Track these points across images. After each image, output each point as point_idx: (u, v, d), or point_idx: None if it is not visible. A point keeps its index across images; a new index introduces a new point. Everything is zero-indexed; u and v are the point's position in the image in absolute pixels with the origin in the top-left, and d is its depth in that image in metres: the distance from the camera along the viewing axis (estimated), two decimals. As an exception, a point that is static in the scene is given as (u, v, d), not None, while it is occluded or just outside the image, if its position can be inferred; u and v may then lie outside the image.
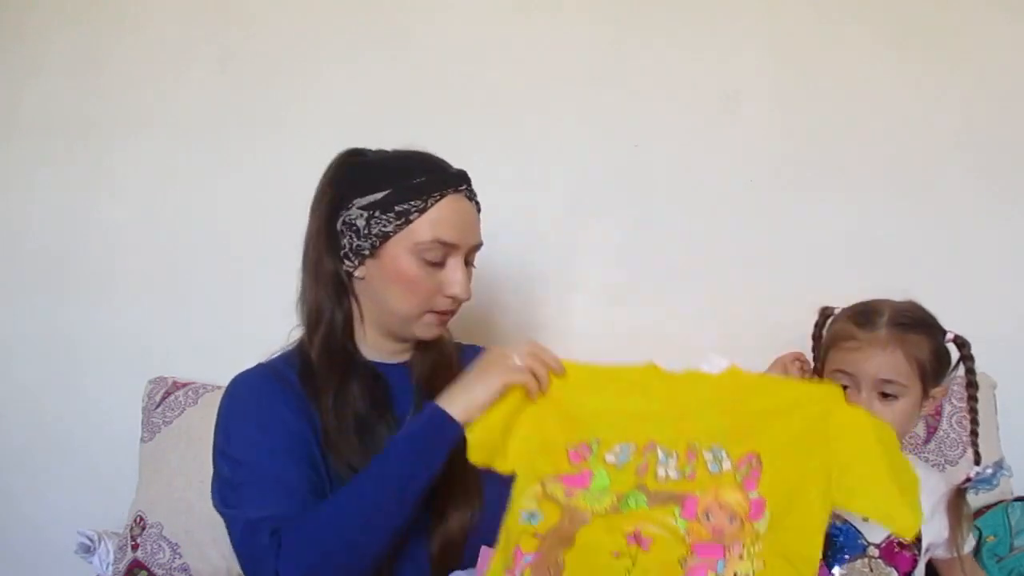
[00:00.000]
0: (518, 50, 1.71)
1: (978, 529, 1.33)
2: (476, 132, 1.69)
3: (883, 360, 1.05)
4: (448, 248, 1.00)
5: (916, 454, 1.42)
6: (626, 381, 0.93)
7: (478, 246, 1.05)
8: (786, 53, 1.68)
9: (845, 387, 1.09)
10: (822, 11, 1.67)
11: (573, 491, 0.84)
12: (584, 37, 1.70)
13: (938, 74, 1.65)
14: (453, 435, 0.88)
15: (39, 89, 1.81)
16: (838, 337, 1.11)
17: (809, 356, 1.22)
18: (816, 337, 1.20)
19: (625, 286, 1.70)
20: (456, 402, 0.89)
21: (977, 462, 1.15)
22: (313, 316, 1.05)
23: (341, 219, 1.01)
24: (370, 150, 1.07)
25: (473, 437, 0.87)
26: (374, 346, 1.07)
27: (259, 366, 1.06)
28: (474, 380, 0.91)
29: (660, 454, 0.86)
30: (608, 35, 1.70)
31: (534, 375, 0.91)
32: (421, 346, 1.10)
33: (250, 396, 1.01)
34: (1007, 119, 1.63)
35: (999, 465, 1.10)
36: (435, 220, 0.99)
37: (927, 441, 1.44)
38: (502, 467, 0.88)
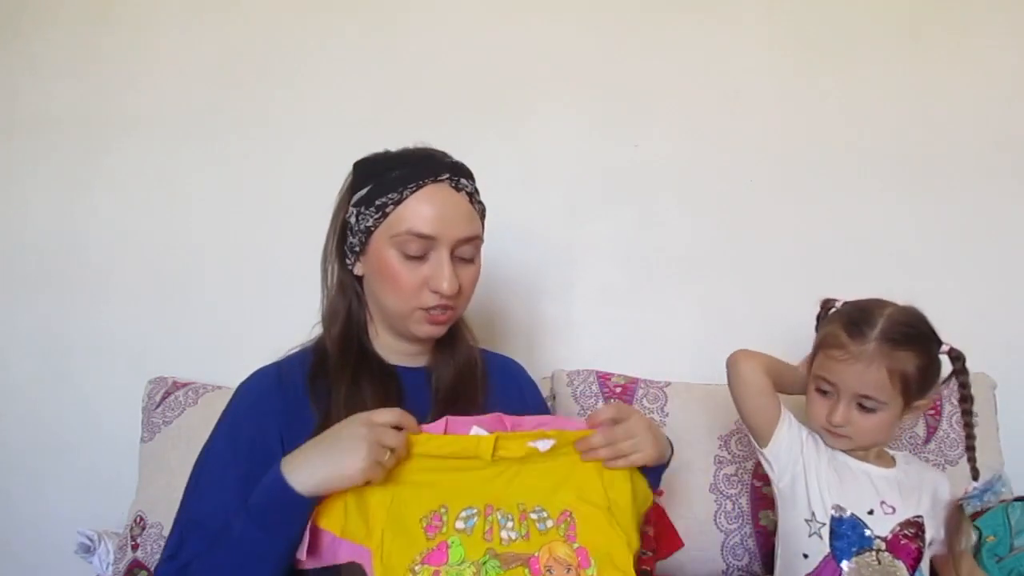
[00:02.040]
0: (518, 50, 1.71)
1: (978, 529, 1.33)
2: (476, 132, 1.68)
3: (866, 377, 1.06)
4: (427, 241, 0.97)
5: (916, 454, 1.42)
6: (462, 449, 0.91)
7: (469, 239, 1.01)
8: (786, 53, 1.68)
9: (826, 392, 1.10)
10: (822, 11, 1.67)
11: (439, 571, 0.84)
12: (584, 37, 1.70)
13: (939, 74, 1.65)
14: (296, 504, 0.84)
15: (37, 88, 1.80)
16: (827, 342, 1.11)
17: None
18: (817, 318, 1.21)
19: (625, 286, 1.70)
20: (299, 473, 0.85)
21: (975, 477, 1.16)
22: (330, 314, 1.06)
23: (344, 220, 1.04)
24: (382, 151, 1.07)
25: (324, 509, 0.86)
26: (388, 347, 1.07)
27: (271, 368, 1.05)
28: (324, 453, 0.86)
29: (499, 516, 0.89)
30: (608, 35, 1.70)
31: (381, 462, 0.85)
32: (441, 351, 1.09)
33: (242, 412, 1.01)
34: (1010, 119, 1.64)
35: (991, 483, 1.10)
36: (410, 212, 0.97)
37: (927, 441, 1.44)
38: (360, 539, 0.85)
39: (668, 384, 1.56)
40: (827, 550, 1.08)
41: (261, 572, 0.86)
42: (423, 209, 0.97)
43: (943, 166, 1.64)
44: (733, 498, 1.43)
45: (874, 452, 1.14)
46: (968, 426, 1.15)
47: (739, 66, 1.68)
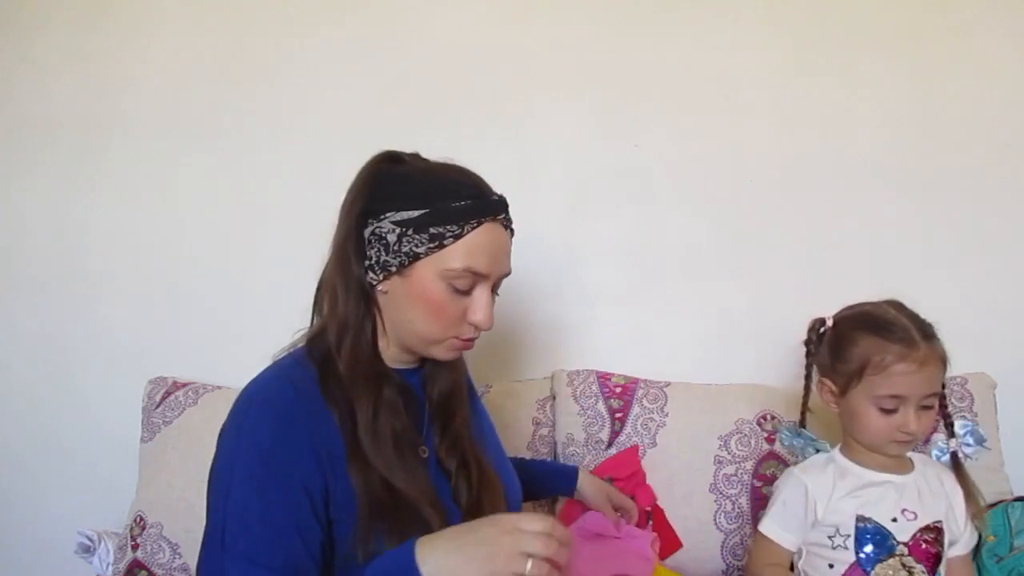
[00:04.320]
0: (518, 50, 1.71)
1: (978, 529, 1.33)
2: (476, 132, 1.69)
3: (934, 376, 1.08)
4: (477, 277, 0.96)
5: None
6: None
7: (507, 275, 1.02)
8: (786, 52, 1.68)
9: (890, 410, 1.08)
10: (822, 10, 1.67)
11: None
12: (584, 37, 1.70)
13: (938, 73, 1.65)
14: None
15: (35, 89, 1.80)
16: (879, 364, 1.08)
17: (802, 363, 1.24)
18: (808, 343, 1.21)
19: (625, 286, 1.70)
20: (434, 566, 0.80)
21: (951, 434, 1.18)
22: (342, 323, 1.00)
23: (371, 229, 0.98)
24: (407, 156, 1.02)
25: None
26: (392, 357, 1.05)
27: (277, 378, 0.99)
28: (467, 555, 0.80)
29: None
30: (608, 34, 1.70)
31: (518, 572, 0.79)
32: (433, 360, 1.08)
33: (266, 433, 0.92)
34: (1007, 119, 1.63)
35: (967, 427, 1.15)
36: (469, 248, 0.95)
37: (926, 441, 1.43)
38: None
39: (668, 384, 1.56)
40: (853, 559, 1.09)
41: None
42: (484, 247, 0.95)
43: (943, 165, 1.64)
44: (733, 498, 1.43)
45: (895, 460, 1.14)
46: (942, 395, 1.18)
47: (739, 66, 1.68)
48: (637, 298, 1.69)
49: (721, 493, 1.44)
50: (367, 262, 0.98)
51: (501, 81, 1.71)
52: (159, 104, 1.77)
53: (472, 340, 1.02)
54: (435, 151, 1.06)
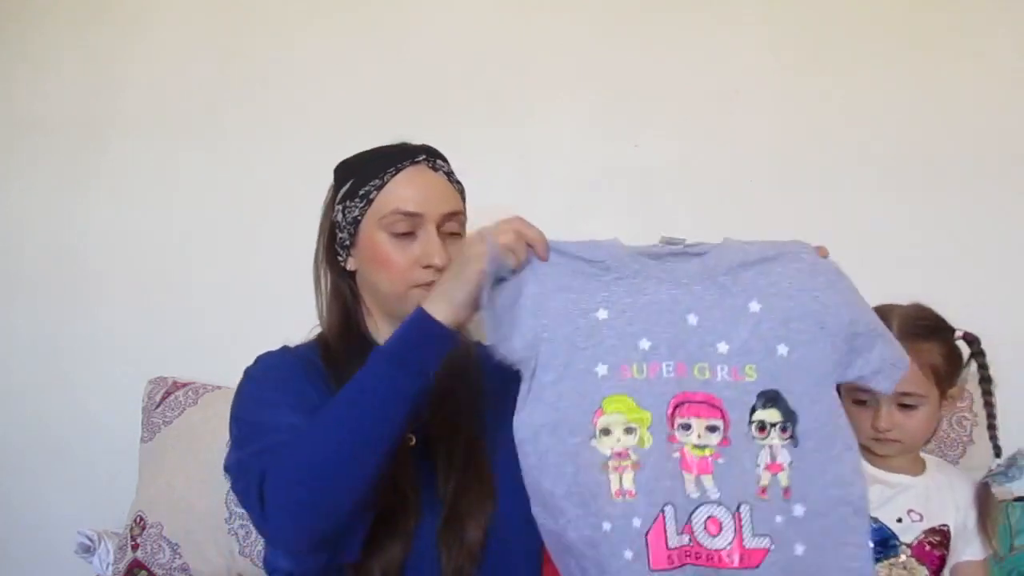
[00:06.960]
0: (517, 49, 1.71)
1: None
2: (476, 132, 1.68)
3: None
4: (413, 218, 1.02)
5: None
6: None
7: (453, 214, 1.05)
8: (786, 52, 1.67)
9: (864, 402, 1.10)
10: (822, 10, 1.67)
11: None
12: (584, 36, 1.70)
13: (940, 73, 1.65)
14: (439, 337, 0.86)
15: (33, 89, 1.81)
16: None
17: None
18: None
19: (625, 286, 1.69)
20: (439, 304, 0.86)
21: (997, 454, 1.17)
22: (328, 315, 1.10)
23: (331, 221, 1.08)
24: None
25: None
26: (387, 337, 1.07)
27: (283, 348, 1.09)
28: (452, 276, 0.87)
29: None
30: (608, 34, 1.70)
31: (513, 252, 0.88)
32: None
33: (268, 366, 1.04)
34: (1008, 118, 1.63)
35: (1014, 458, 1.11)
36: (393, 193, 1.03)
37: (927, 441, 1.43)
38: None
39: (668, 384, 1.56)
40: None
41: (397, 413, 0.85)
42: (405, 189, 1.03)
43: (944, 165, 1.64)
44: (733, 498, 1.43)
45: (909, 458, 1.14)
46: (989, 405, 1.17)
47: (739, 65, 1.68)
48: (637, 298, 1.69)
49: (721, 493, 1.43)
50: (336, 247, 1.08)
51: (501, 81, 1.71)
52: (157, 104, 1.77)
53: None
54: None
